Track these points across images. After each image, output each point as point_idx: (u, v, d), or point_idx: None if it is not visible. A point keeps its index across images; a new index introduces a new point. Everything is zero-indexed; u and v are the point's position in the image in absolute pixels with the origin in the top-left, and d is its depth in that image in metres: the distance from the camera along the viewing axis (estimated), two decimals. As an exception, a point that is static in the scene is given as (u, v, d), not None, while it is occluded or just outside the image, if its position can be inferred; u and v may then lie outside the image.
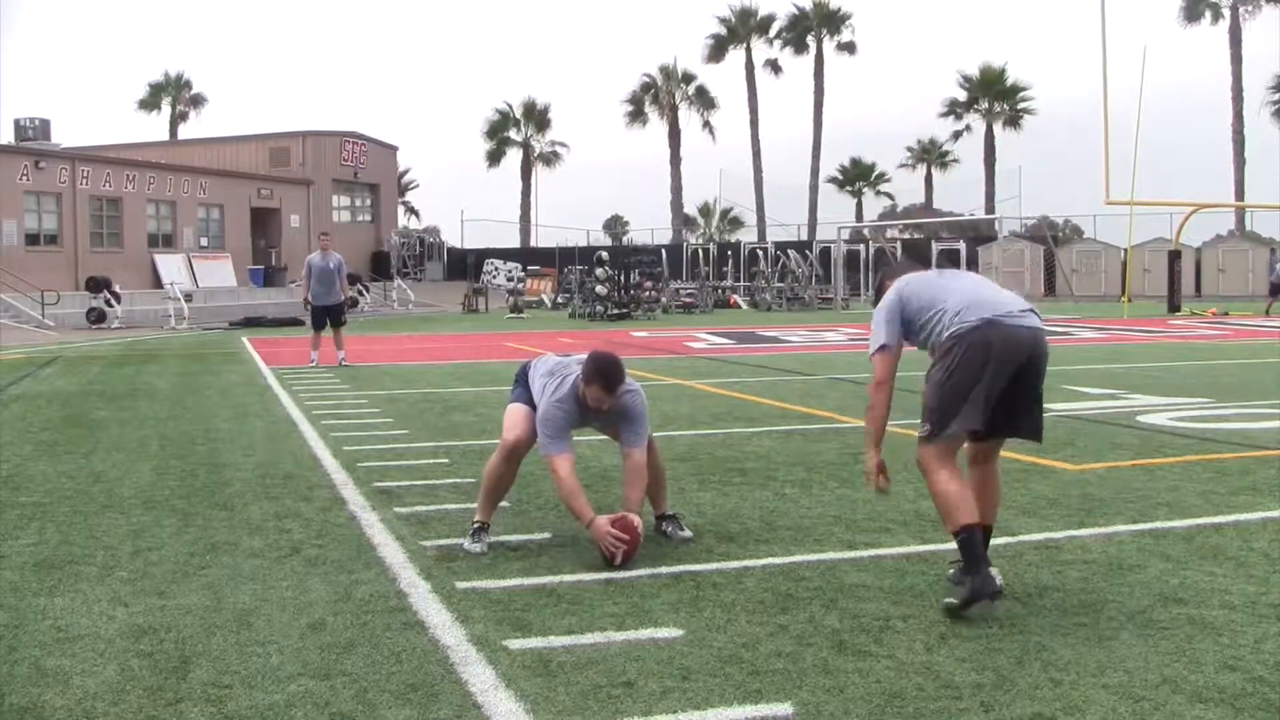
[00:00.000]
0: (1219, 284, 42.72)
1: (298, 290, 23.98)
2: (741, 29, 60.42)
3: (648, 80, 61.15)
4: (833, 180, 65.23)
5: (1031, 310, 4.43)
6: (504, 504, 5.93)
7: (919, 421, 4.39)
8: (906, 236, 53.70)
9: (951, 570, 4.34)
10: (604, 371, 4.99)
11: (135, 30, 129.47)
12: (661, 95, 60.85)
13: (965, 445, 4.45)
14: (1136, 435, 8.39)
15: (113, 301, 29.61)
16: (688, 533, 5.33)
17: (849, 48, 60.62)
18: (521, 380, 5.45)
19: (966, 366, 4.23)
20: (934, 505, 4.38)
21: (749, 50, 60.52)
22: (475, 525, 5.22)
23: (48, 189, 35.81)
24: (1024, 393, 4.37)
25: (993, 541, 5.10)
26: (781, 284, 39.30)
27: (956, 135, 60.34)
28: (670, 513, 5.43)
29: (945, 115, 60.14)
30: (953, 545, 4.25)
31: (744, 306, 39.83)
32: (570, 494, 4.97)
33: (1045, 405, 4.52)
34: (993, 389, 4.25)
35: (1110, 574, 4.65)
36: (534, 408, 5.22)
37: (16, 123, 41.92)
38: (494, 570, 4.78)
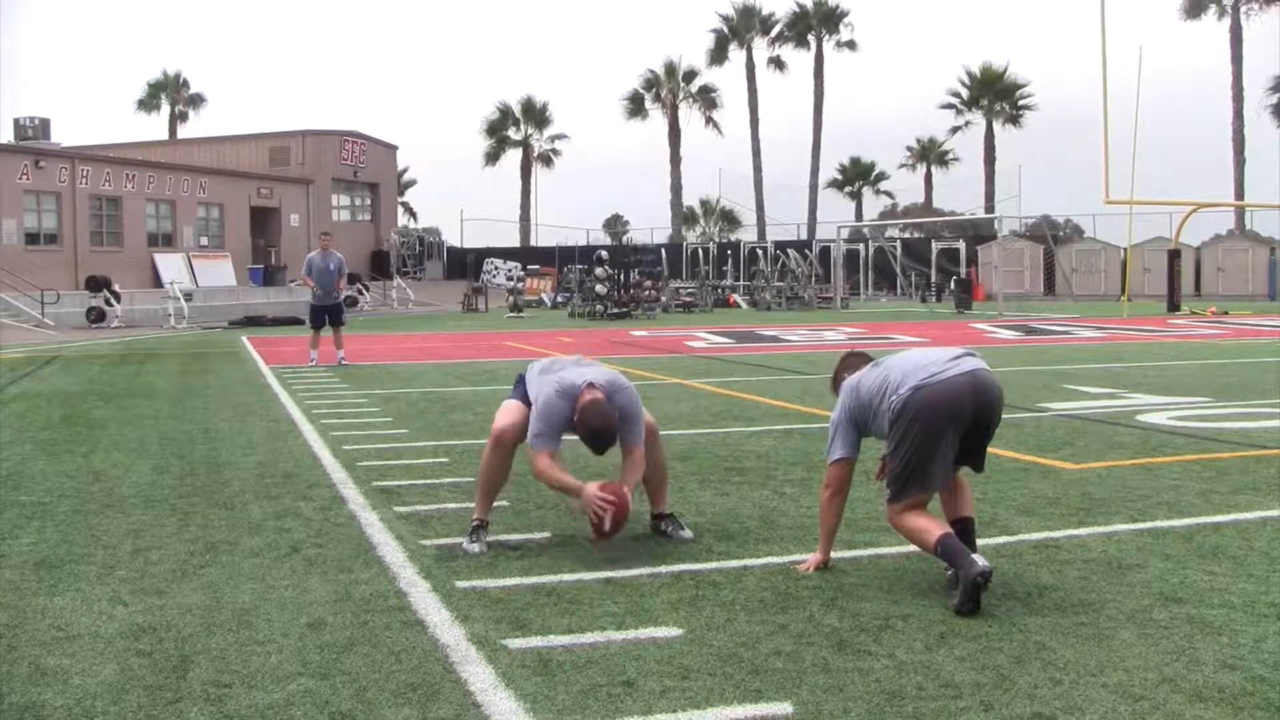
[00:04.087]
0: (1219, 283, 42.72)
1: (299, 290, 24.01)
2: (743, 27, 60.42)
3: (650, 77, 61.16)
4: (833, 180, 65.27)
5: (967, 355, 4.56)
6: (504, 503, 5.94)
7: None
8: (906, 235, 53.71)
9: (949, 573, 4.37)
10: (593, 435, 4.94)
11: (135, 30, 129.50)
12: (663, 93, 60.85)
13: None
14: (1136, 434, 8.39)
15: (112, 301, 29.62)
16: (688, 533, 5.31)
17: (849, 45, 60.66)
18: (521, 382, 5.45)
19: (914, 438, 4.39)
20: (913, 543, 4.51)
21: (750, 49, 60.55)
22: (474, 524, 5.22)
23: (47, 188, 35.80)
24: (981, 435, 4.55)
25: (993, 540, 5.13)
26: (781, 283, 39.30)
27: (954, 130, 60.39)
28: (668, 512, 5.42)
29: (945, 108, 60.16)
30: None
31: (744, 306, 39.83)
32: (549, 474, 4.96)
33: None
34: (946, 449, 4.41)
35: (1110, 573, 4.65)
36: (528, 404, 5.22)
37: (16, 122, 41.99)
38: (494, 569, 4.78)
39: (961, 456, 4.53)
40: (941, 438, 4.38)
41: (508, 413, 5.32)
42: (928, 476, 4.40)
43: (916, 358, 4.61)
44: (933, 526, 4.35)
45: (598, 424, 4.90)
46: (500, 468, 5.31)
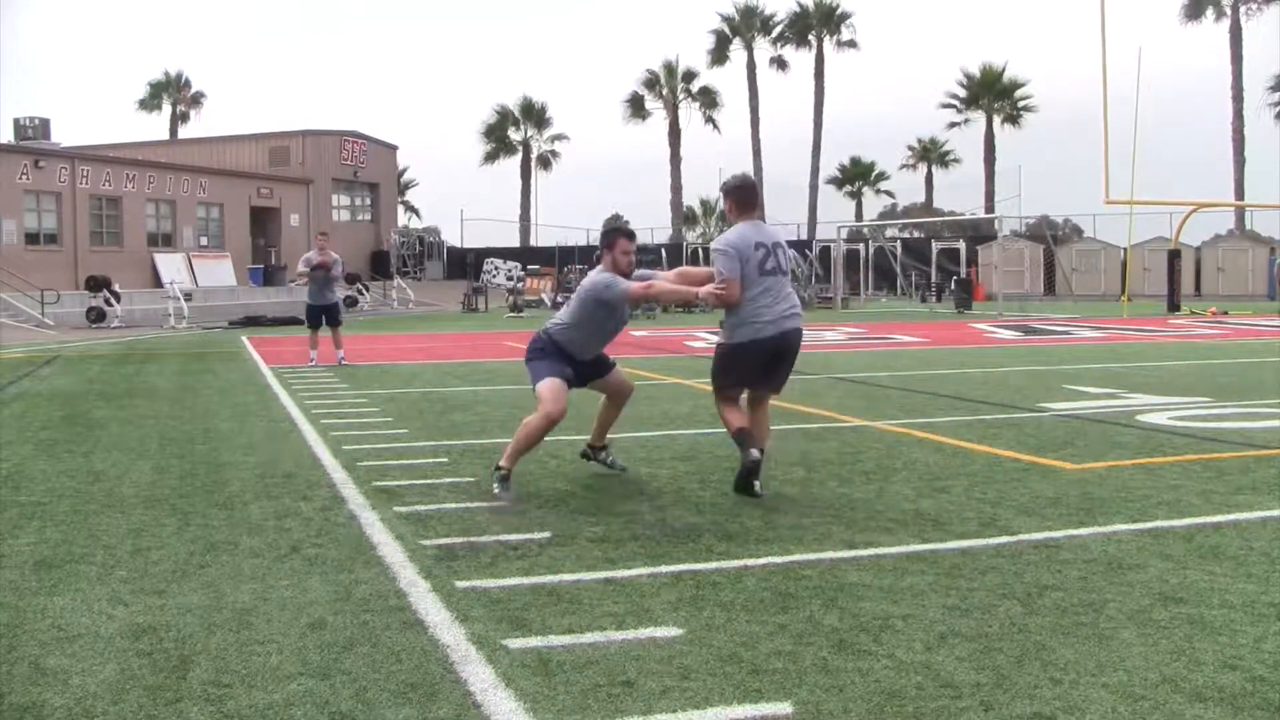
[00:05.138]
0: (1219, 283, 42.74)
1: (299, 290, 23.97)
2: (744, 27, 60.42)
3: (649, 77, 61.16)
4: (833, 179, 65.25)
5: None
6: (504, 503, 5.97)
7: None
8: (906, 235, 53.71)
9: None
10: (618, 229, 6.43)
11: (135, 30, 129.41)
12: (663, 93, 60.85)
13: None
14: (1136, 435, 8.39)
15: (112, 301, 29.62)
16: (621, 463, 6.76)
17: (850, 45, 60.67)
18: (544, 351, 6.36)
19: None
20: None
21: (751, 49, 60.55)
22: (501, 472, 6.15)
23: (47, 188, 35.81)
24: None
25: (993, 540, 5.16)
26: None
27: (952, 125, 60.37)
28: (605, 444, 6.79)
29: (945, 107, 60.18)
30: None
31: (744, 306, 39.73)
32: (664, 290, 6.41)
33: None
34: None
35: (1110, 573, 4.65)
36: (565, 378, 6.23)
37: (16, 122, 42.00)
38: (494, 569, 4.78)
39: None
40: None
41: (559, 397, 6.15)
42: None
43: None
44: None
45: (611, 225, 6.82)
46: (540, 439, 6.26)
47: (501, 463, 6.23)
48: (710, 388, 6.65)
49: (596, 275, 6.31)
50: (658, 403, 10.56)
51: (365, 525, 5.60)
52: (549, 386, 6.16)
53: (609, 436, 6.99)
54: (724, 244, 6.25)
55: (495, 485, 6.16)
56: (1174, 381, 12.35)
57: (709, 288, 6.12)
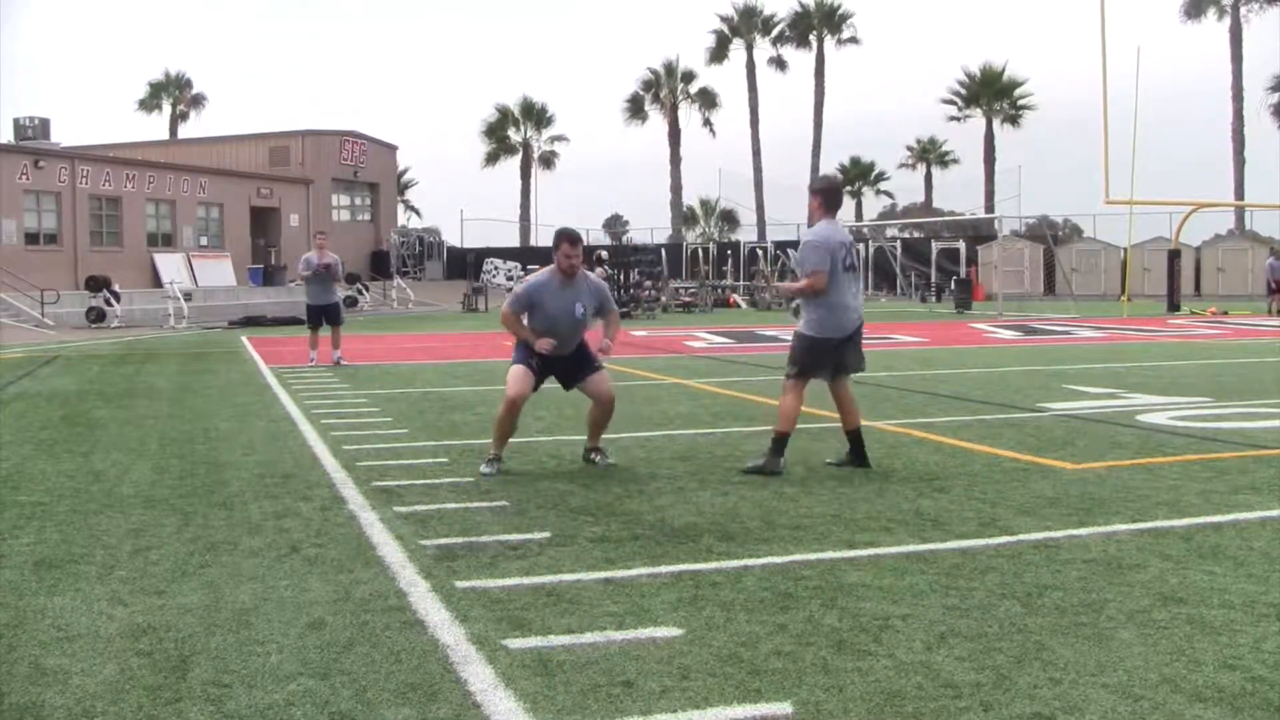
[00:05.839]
0: (1218, 283, 42.74)
1: (298, 290, 23.98)
2: (744, 27, 60.42)
3: (649, 77, 61.15)
4: (832, 179, 65.11)
5: None
6: (504, 503, 5.97)
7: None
8: (906, 235, 53.70)
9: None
10: (561, 232, 6.92)
11: (135, 30, 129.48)
12: (663, 94, 60.84)
13: None
14: (1136, 434, 8.39)
15: (112, 301, 29.61)
16: (612, 459, 7.10)
17: (851, 41, 60.64)
18: (518, 344, 7.05)
19: None
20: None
21: (750, 49, 60.54)
22: (491, 456, 6.89)
23: (47, 188, 35.79)
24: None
25: (993, 540, 5.16)
26: (781, 283, 39.23)
27: (952, 119, 60.37)
28: (599, 446, 7.16)
29: (946, 108, 60.21)
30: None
31: (743, 306, 39.82)
32: (511, 323, 7.06)
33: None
34: None
35: (1110, 573, 4.65)
36: (530, 366, 6.91)
37: (16, 122, 42.00)
38: (493, 569, 4.78)
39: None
40: None
41: (517, 380, 6.90)
42: None
43: None
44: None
45: (561, 229, 6.94)
46: (511, 422, 6.96)
47: (491, 451, 7.01)
48: (788, 374, 7.08)
49: (531, 276, 7.18)
50: (657, 403, 10.57)
51: (365, 525, 5.60)
52: (511, 374, 7.00)
53: (605, 437, 7.38)
54: (816, 238, 6.85)
55: (482, 464, 6.93)
56: (1174, 381, 12.35)
57: (543, 343, 6.93)
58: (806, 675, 3.53)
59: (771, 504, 6.05)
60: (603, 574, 4.67)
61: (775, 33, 60.72)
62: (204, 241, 42.52)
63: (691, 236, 63.78)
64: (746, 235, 59.45)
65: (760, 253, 44.51)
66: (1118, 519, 5.61)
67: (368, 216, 53.90)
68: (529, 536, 5.35)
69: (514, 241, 60.57)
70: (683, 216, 63.57)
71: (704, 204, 68.61)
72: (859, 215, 63.15)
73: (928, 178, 65.11)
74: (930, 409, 9.96)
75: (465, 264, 48.24)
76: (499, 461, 6.93)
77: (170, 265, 38.30)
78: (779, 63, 61.04)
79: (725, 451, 7.76)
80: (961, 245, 45.86)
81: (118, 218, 38.46)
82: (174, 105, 63.20)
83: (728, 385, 12.34)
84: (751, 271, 43.96)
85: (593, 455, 7.21)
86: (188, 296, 31.64)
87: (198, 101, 64.11)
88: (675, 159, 61.07)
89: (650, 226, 64.83)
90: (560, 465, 7.21)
